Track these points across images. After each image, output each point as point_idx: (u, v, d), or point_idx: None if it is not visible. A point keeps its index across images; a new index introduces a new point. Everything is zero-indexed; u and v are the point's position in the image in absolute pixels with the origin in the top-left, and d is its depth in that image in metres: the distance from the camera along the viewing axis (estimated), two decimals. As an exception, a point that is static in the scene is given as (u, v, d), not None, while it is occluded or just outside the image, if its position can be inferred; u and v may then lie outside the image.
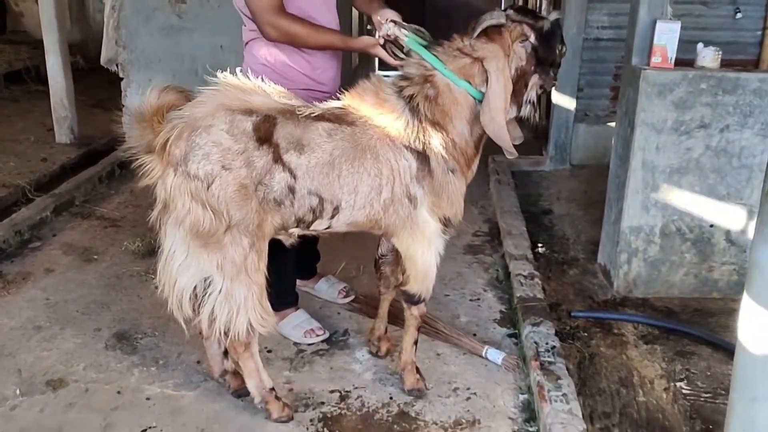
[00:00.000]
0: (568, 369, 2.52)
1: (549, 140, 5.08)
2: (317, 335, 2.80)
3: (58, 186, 4.25)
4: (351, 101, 2.21)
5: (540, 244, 3.77)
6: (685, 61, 2.99)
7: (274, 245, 2.30)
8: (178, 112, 2.03)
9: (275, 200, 2.07)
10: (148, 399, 2.42)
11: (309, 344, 2.77)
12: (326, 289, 3.16)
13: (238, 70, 2.14)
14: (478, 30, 2.13)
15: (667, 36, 2.89)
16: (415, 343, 2.48)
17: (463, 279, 3.38)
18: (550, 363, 2.52)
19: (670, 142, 2.98)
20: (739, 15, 4.52)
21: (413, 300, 2.39)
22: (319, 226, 2.20)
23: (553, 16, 2.19)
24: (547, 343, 2.64)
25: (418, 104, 2.17)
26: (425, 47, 2.24)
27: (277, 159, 2.04)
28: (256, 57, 2.53)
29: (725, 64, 3.03)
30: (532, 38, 2.15)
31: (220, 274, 2.07)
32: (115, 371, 2.56)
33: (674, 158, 3.00)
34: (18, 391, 2.41)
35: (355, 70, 7.21)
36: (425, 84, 2.18)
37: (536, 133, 6.02)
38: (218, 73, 2.09)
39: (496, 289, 3.28)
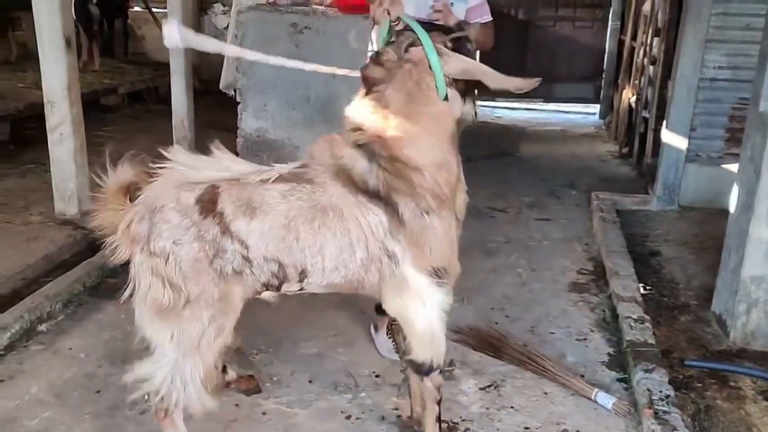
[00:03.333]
0: (682, 420, 2.45)
1: (657, 179, 4.95)
2: None
3: (177, 201, 4.49)
4: (310, 158, 2.11)
5: (648, 287, 3.67)
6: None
7: None
8: (140, 195, 2.06)
9: (234, 270, 2.02)
10: (264, 414, 2.52)
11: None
12: None
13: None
14: None
15: (801, 82, 2.79)
16: (438, 420, 2.25)
17: (568, 317, 3.35)
18: (664, 412, 2.46)
19: (800, 191, 2.86)
20: None
21: (423, 370, 2.14)
22: (290, 288, 2.12)
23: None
24: (661, 391, 2.58)
25: (372, 147, 2.02)
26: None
27: (225, 230, 1.98)
28: None
29: None
30: None
31: (174, 346, 2.05)
32: (233, 384, 2.69)
33: (803, 208, 2.88)
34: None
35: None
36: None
37: (641, 171, 5.90)
38: (170, 150, 2.11)
39: (604, 330, 3.23)
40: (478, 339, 3.05)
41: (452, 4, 2.84)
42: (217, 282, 2.01)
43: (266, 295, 2.18)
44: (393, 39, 2.16)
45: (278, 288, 2.12)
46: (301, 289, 2.13)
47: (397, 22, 2.21)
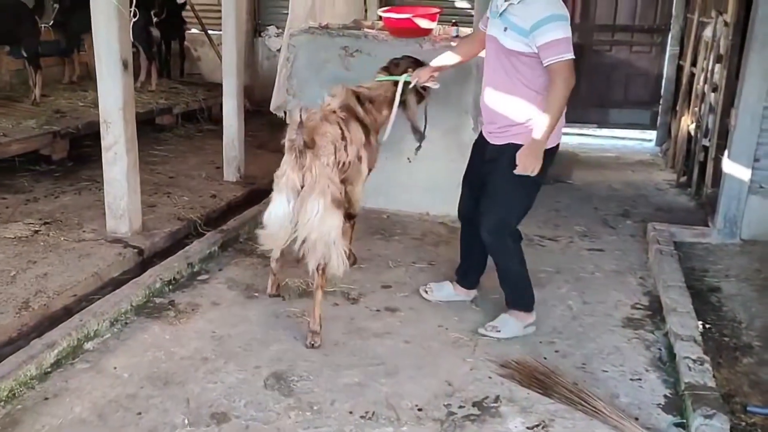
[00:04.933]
0: (745, 472, 2.30)
1: (717, 211, 4.74)
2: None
3: (224, 222, 4.53)
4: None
5: (707, 325, 3.49)
6: None
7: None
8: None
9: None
10: (303, 445, 2.47)
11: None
12: None
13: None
14: None
15: None
16: None
17: (622, 355, 3.20)
18: (726, 463, 2.31)
19: None
20: None
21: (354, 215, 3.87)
22: None
23: None
24: (721, 440, 2.43)
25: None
26: None
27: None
28: None
29: None
30: None
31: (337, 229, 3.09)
32: (273, 411, 2.64)
33: None
34: (186, 421, 2.56)
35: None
36: None
37: (700, 202, 5.68)
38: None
39: (660, 370, 3.07)
40: (526, 374, 2.94)
41: (506, 29, 3.05)
42: None
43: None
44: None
45: None
46: None
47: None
